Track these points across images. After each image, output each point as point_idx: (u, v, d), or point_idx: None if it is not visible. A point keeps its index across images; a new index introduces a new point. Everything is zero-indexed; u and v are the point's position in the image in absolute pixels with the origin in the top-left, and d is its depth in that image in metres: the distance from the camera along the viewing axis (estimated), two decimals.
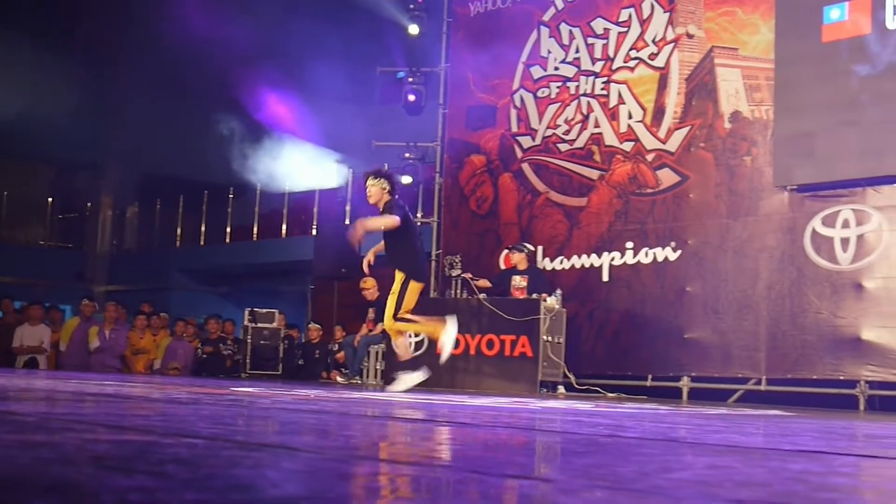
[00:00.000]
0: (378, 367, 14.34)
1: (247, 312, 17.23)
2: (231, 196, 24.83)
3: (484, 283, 13.52)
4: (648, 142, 13.74)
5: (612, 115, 14.15)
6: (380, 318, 14.23)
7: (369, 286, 14.78)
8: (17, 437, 2.79)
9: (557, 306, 12.91)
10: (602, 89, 14.33)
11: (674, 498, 2.03)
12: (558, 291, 13.05)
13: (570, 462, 2.83)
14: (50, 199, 27.94)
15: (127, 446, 2.76)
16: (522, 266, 13.62)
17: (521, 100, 15.17)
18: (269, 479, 2.17)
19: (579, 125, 14.47)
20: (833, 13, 11.82)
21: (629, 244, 13.69)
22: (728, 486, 2.31)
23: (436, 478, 2.26)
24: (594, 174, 14.22)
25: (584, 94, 14.50)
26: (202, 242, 25.57)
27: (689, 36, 13.55)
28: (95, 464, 2.20)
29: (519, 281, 13.39)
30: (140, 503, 1.70)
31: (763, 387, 12.29)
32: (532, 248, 14.06)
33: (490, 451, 3.28)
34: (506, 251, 14.41)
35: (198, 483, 2.02)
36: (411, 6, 16.41)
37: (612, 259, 13.83)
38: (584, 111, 14.45)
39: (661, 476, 2.44)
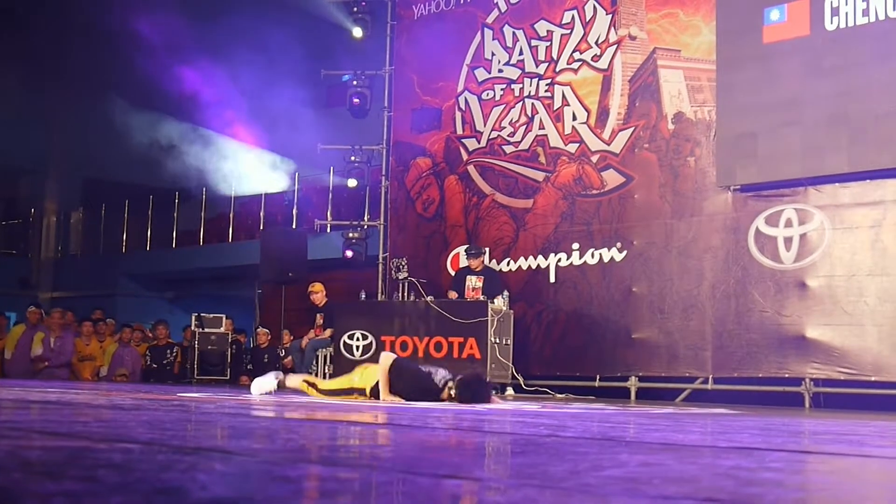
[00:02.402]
0: (327, 370, 14.29)
1: (194, 317, 17.13)
2: (177, 200, 24.68)
3: (453, 294, 13.49)
4: (593, 143, 13.80)
5: (557, 117, 14.21)
6: (328, 324, 14.23)
7: (317, 290, 14.74)
8: None
9: (505, 308, 12.93)
10: (546, 91, 14.38)
11: (599, 495, 2.05)
12: (505, 293, 13.08)
13: (503, 461, 2.85)
14: None
15: (60, 452, 2.74)
16: (479, 267, 13.64)
17: (466, 102, 15.20)
18: (200, 481, 2.16)
19: (524, 127, 14.52)
20: (773, 14, 11.94)
21: (575, 245, 13.74)
22: (656, 482, 2.33)
23: (366, 479, 2.26)
24: (539, 176, 14.27)
25: (529, 96, 14.55)
26: (148, 247, 25.40)
27: (632, 38, 13.63)
28: (24, 469, 2.19)
29: (474, 282, 13.40)
30: None
31: (710, 386, 12.38)
32: (484, 250, 14.10)
33: (427, 452, 3.28)
34: (463, 255, 14.37)
35: (126, 487, 2.02)
36: (355, 9, 16.39)
37: (559, 260, 13.88)
38: (529, 113, 14.50)
39: (591, 474, 2.45)
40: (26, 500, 1.70)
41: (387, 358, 8.97)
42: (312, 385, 9.39)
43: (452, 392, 8.37)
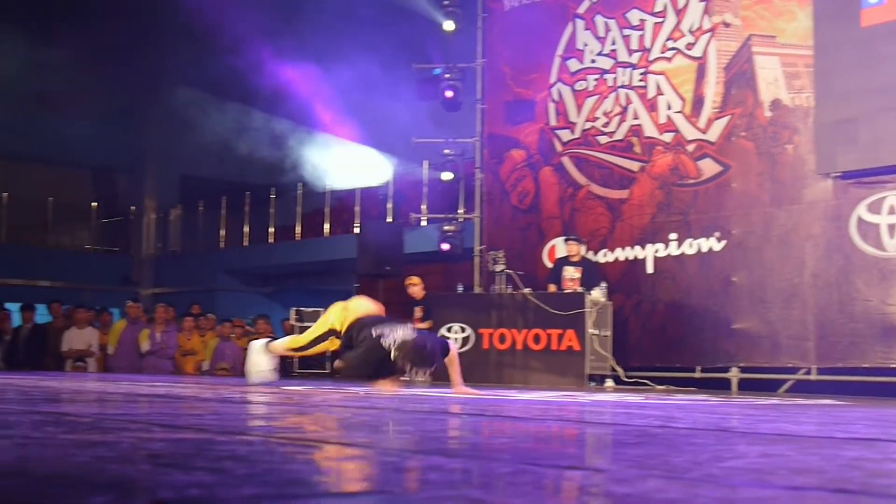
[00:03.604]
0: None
1: (293, 311, 17.30)
2: (273, 196, 24.92)
3: (552, 288, 13.47)
4: (688, 132, 13.69)
5: (651, 106, 14.11)
6: (427, 316, 14.29)
7: (415, 283, 14.81)
8: (73, 437, 2.83)
9: (603, 299, 12.89)
10: (640, 80, 14.30)
11: (728, 486, 2.05)
12: (604, 284, 13.04)
13: (622, 452, 2.85)
14: (94, 204, 28.14)
15: (182, 444, 2.79)
16: (577, 257, 13.61)
17: (559, 93, 15.15)
18: (325, 473, 2.20)
19: (618, 117, 14.44)
20: None
21: (672, 235, 13.64)
22: (782, 473, 2.32)
23: (491, 470, 2.28)
24: (635, 166, 14.18)
25: (622, 86, 14.47)
26: (246, 243, 25.68)
27: (726, 25, 13.48)
28: (152, 461, 2.24)
29: (572, 272, 13.36)
30: (199, 498, 1.73)
31: (813, 376, 12.20)
32: (584, 239, 14.05)
33: (542, 443, 3.30)
34: (560, 245, 14.35)
35: (255, 479, 2.06)
36: (445, 2, 16.41)
37: (657, 251, 13.79)
38: (623, 103, 14.42)
39: (714, 465, 2.45)
40: (161, 492, 1.75)
41: (356, 308, 8.47)
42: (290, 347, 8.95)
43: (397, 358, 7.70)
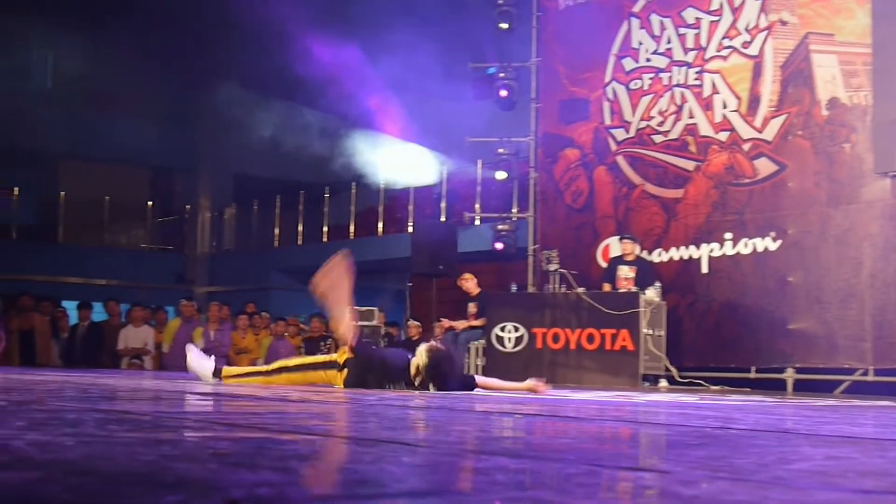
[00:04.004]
0: (478, 362, 14.37)
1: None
2: (327, 195, 25.03)
3: (607, 287, 13.45)
4: (744, 131, 13.60)
5: (707, 105, 14.04)
6: (481, 313, 14.28)
7: (468, 279, 14.82)
8: (137, 436, 2.85)
9: (657, 299, 12.84)
10: (695, 79, 14.22)
11: (797, 489, 2.03)
12: (658, 284, 12.99)
13: (684, 454, 2.84)
14: (150, 203, 28.42)
15: (246, 443, 2.80)
16: (631, 256, 13.57)
17: (614, 92, 15.11)
18: (392, 473, 2.20)
19: (673, 116, 14.38)
20: None
21: (728, 235, 13.56)
22: (850, 476, 2.30)
23: (557, 471, 2.28)
24: (690, 165, 14.11)
25: (678, 85, 14.40)
26: (299, 242, 25.80)
27: (783, 23, 13.38)
28: (218, 460, 2.25)
29: (626, 271, 13.31)
30: (270, 497, 1.74)
31: (870, 377, 12.09)
32: (638, 238, 14.00)
33: (602, 443, 3.29)
34: (615, 244, 14.31)
35: (323, 478, 2.07)
36: (500, 1, 16.41)
37: (711, 250, 13.72)
38: (678, 102, 14.35)
39: (780, 467, 2.43)
40: (232, 491, 1.76)
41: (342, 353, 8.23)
42: (255, 374, 8.72)
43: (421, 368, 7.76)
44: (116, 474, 1.96)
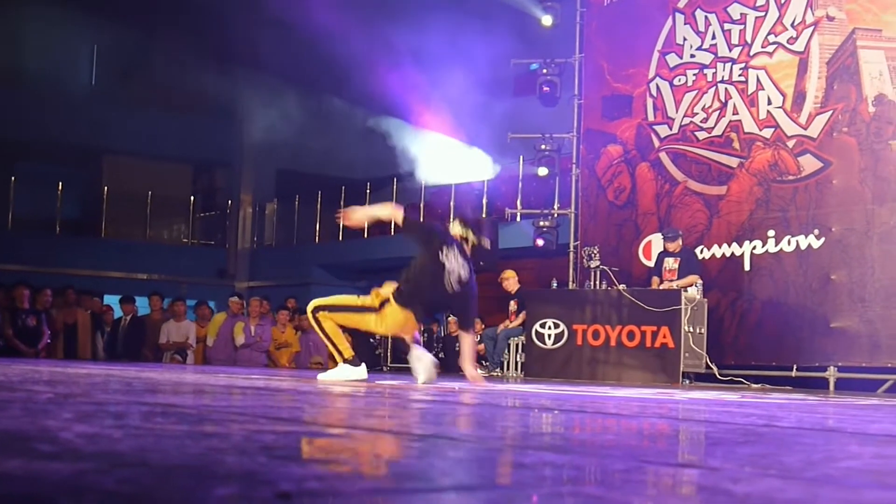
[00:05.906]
0: (518, 359, 14.36)
1: None
2: (368, 191, 25.07)
3: (656, 281, 13.44)
4: (789, 128, 13.49)
5: (751, 102, 13.94)
6: (521, 309, 14.28)
7: (509, 276, 14.81)
8: (184, 429, 2.87)
9: (698, 296, 12.78)
10: (740, 75, 14.13)
11: (848, 487, 2.02)
12: (699, 282, 12.92)
13: (732, 451, 2.82)
14: (192, 198, 28.57)
15: (292, 437, 2.82)
16: (676, 249, 13.50)
17: (658, 88, 15.03)
18: (439, 468, 2.20)
19: (717, 112, 14.29)
20: None
21: (771, 232, 13.47)
22: None
23: (604, 467, 2.27)
24: (733, 162, 14.02)
25: (722, 81, 14.31)
26: (340, 238, 25.87)
27: (830, 18, 13.26)
28: (267, 453, 2.26)
29: (671, 263, 13.27)
30: (320, 490, 1.75)
31: None
32: (680, 232, 13.86)
33: (647, 440, 3.28)
34: (658, 240, 14.22)
35: (370, 472, 2.07)
36: None
37: (754, 248, 13.62)
38: (722, 98, 14.26)
39: (830, 465, 2.41)
40: (281, 484, 1.77)
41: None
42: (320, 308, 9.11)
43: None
44: (167, 466, 1.97)
